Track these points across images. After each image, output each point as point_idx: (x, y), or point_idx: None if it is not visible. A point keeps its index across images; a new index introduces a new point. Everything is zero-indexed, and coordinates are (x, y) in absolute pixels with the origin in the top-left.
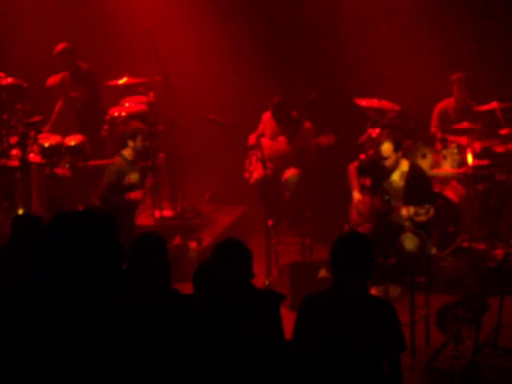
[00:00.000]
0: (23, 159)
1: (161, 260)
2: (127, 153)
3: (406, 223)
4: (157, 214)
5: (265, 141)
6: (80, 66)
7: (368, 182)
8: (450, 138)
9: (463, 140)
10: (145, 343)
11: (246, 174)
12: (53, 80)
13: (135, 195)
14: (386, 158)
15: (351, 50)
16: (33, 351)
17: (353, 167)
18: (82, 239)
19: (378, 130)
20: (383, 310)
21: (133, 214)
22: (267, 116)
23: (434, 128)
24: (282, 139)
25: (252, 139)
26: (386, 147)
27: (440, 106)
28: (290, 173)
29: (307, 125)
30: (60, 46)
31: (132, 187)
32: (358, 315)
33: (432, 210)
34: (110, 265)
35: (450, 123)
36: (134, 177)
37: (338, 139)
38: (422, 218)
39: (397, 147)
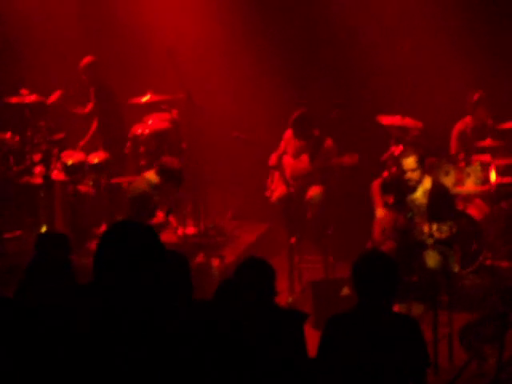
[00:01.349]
0: (46, 177)
1: (184, 279)
2: (152, 177)
3: (429, 240)
4: (180, 231)
5: (287, 159)
6: (104, 81)
7: (391, 200)
8: (474, 156)
9: (486, 158)
10: (168, 360)
11: (268, 193)
12: (52, 97)
13: (158, 219)
14: (411, 171)
15: (374, 67)
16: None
17: (376, 184)
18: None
19: (400, 148)
20: (408, 327)
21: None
22: (289, 134)
23: (453, 150)
24: (304, 158)
25: (273, 159)
26: (411, 161)
27: (458, 127)
28: (313, 191)
29: (329, 142)
30: (86, 60)
31: (155, 209)
32: (382, 333)
33: (455, 227)
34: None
35: (469, 142)
36: (156, 199)
37: (361, 158)
38: (445, 235)
39: (421, 162)
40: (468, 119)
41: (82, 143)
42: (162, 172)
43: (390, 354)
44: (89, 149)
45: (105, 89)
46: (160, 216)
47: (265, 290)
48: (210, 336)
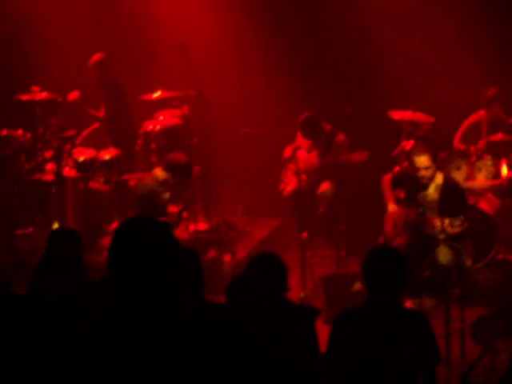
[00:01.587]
0: (58, 173)
1: (194, 275)
2: (161, 174)
3: (441, 235)
4: (191, 227)
5: (301, 153)
6: (116, 79)
7: (402, 195)
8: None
9: (497, 152)
10: (178, 354)
11: (282, 186)
12: (71, 96)
13: (170, 217)
14: (424, 169)
15: (385, 63)
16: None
17: (387, 179)
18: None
19: (411, 143)
20: (418, 323)
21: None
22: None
23: (456, 142)
24: (315, 153)
25: (288, 151)
26: (424, 159)
27: (470, 120)
28: (325, 186)
29: (341, 137)
30: (96, 57)
31: (165, 206)
32: (392, 328)
33: (466, 222)
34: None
35: (482, 135)
36: (166, 196)
37: (371, 153)
38: (457, 230)
39: (434, 159)
40: (482, 113)
41: (79, 140)
42: (169, 168)
43: (399, 350)
44: (91, 145)
45: (115, 88)
46: (172, 213)
47: (277, 286)
48: (215, 335)
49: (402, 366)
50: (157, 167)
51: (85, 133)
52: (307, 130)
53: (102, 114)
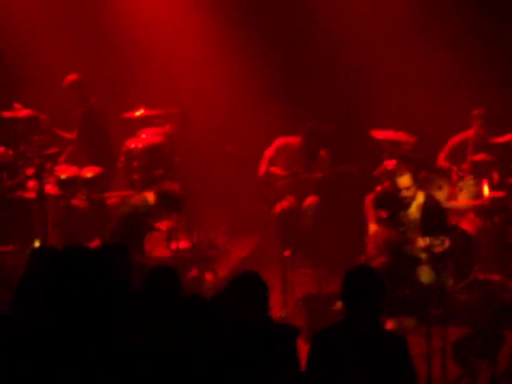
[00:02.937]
0: (40, 191)
1: (175, 294)
2: (150, 197)
3: (423, 255)
4: (173, 245)
5: (276, 171)
6: (91, 99)
7: (384, 214)
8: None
9: (480, 172)
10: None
11: (264, 201)
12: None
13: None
14: (406, 189)
15: (368, 82)
16: None
17: (369, 199)
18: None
19: (393, 162)
20: (394, 344)
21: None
22: (280, 143)
23: (441, 161)
24: (298, 168)
25: (262, 170)
26: (406, 179)
27: (455, 139)
28: (310, 200)
29: (323, 153)
30: (69, 78)
31: (145, 229)
32: (368, 350)
33: (447, 241)
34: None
35: (467, 156)
36: (148, 221)
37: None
38: (438, 249)
39: (415, 179)
40: (470, 133)
41: (62, 158)
42: (162, 196)
43: (375, 370)
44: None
45: (91, 108)
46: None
47: (258, 305)
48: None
49: None
50: (150, 191)
51: (69, 149)
52: (311, 140)
53: (74, 135)
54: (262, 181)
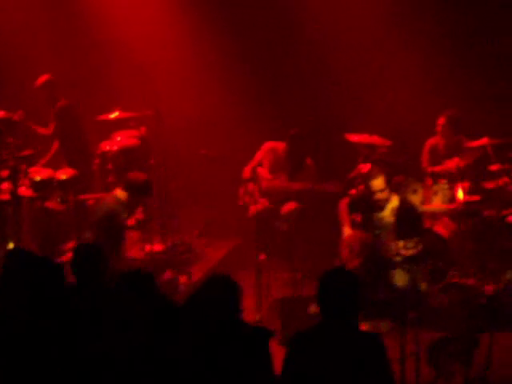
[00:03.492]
0: (14, 193)
1: (151, 297)
2: (121, 194)
3: (397, 258)
4: (147, 248)
5: (263, 172)
6: (64, 100)
7: (359, 218)
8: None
9: (454, 176)
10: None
11: (240, 202)
12: (16, 116)
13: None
14: (380, 191)
15: (343, 86)
16: None
17: (344, 203)
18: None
19: (368, 166)
20: (371, 346)
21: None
22: (269, 146)
23: (425, 163)
24: (282, 174)
25: (247, 172)
26: (379, 182)
27: (430, 142)
28: (290, 206)
29: (308, 161)
30: (41, 79)
31: (124, 227)
32: (345, 352)
33: (421, 244)
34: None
35: (440, 159)
36: (125, 215)
37: (329, 177)
38: (411, 252)
39: (388, 181)
40: (439, 137)
41: (43, 161)
42: (128, 187)
43: (352, 373)
44: (51, 166)
45: (65, 109)
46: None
47: (230, 307)
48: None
49: None
50: (116, 188)
51: (51, 153)
52: (295, 146)
53: (50, 130)
54: (246, 176)
